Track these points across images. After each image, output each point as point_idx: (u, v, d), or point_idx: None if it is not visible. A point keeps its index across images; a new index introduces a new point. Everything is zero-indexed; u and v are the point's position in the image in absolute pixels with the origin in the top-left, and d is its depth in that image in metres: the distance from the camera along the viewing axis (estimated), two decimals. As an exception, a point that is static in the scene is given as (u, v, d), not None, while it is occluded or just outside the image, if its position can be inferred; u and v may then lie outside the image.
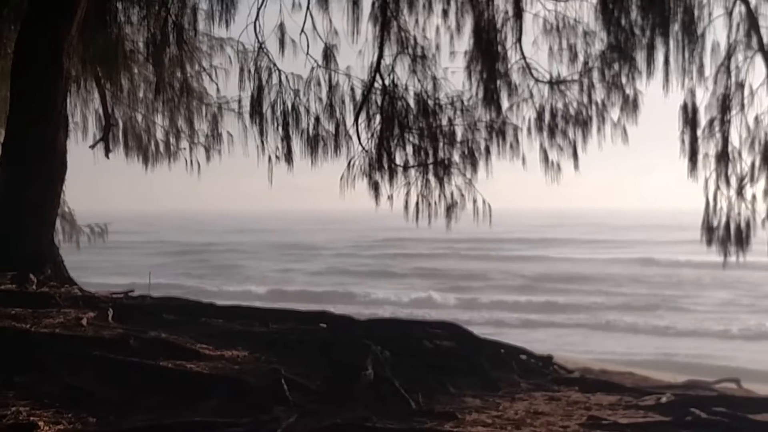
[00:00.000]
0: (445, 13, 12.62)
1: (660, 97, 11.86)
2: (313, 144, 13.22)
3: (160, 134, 16.85)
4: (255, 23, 12.71)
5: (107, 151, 16.94)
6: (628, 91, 12.58)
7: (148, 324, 11.37)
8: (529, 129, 13.21)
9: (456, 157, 13.27)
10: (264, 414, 8.77)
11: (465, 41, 12.66)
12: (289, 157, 13.19)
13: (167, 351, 10.12)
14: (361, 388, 10.06)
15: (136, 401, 8.95)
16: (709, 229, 12.20)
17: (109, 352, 9.65)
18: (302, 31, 12.55)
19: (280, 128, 13.09)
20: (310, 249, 75.45)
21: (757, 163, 12.03)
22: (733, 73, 11.89)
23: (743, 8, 11.73)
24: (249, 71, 13.17)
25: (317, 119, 13.16)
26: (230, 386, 9.39)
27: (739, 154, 12.06)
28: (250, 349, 10.86)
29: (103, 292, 13.55)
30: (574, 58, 12.78)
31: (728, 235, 12.13)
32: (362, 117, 13.06)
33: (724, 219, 12.12)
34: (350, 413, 9.38)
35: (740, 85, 11.92)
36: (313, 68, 12.99)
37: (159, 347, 10.24)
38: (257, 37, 12.85)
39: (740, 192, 12.04)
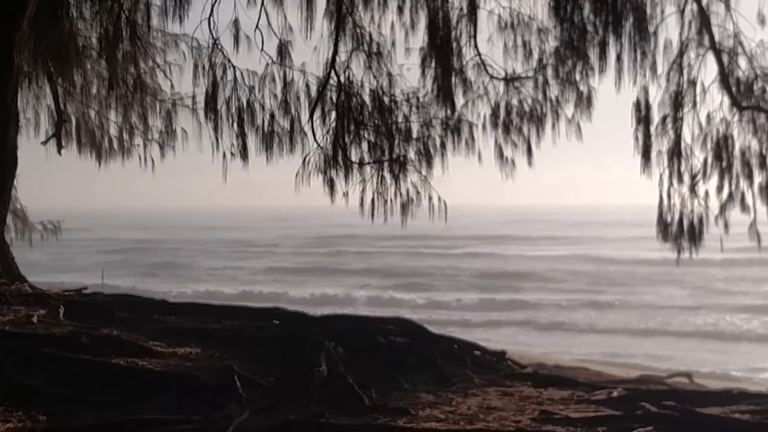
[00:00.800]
0: (400, 9, 12.60)
1: (615, 94, 11.91)
2: (269, 140, 13.13)
3: (113, 131, 16.73)
4: (209, 19, 12.61)
5: (59, 147, 16.78)
6: (582, 87, 12.64)
7: (100, 321, 11.31)
8: (484, 125, 13.23)
9: (411, 154, 13.26)
10: (216, 411, 8.74)
11: (420, 38, 12.65)
12: (244, 153, 13.10)
13: (119, 348, 10.07)
14: (314, 384, 10.04)
15: (88, 399, 8.88)
16: (663, 225, 12.29)
17: (59, 350, 9.58)
18: (257, 27, 12.45)
19: (235, 125, 12.99)
20: (262, 246, 74.94)
21: (710, 160, 12.14)
22: (685, 71, 11.98)
23: (695, 6, 11.82)
24: (203, 67, 13.04)
25: (272, 116, 13.09)
26: (182, 383, 9.36)
27: (692, 151, 12.15)
28: (203, 345, 10.83)
29: (55, 290, 13.44)
30: (528, 54, 12.81)
31: (681, 231, 12.22)
32: (317, 113, 12.99)
33: (677, 215, 12.21)
34: (303, 410, 9.37)
35: (692, 83, 12.02)
36: (268, 64, 12.91)
37: (111, 344, 10.19)
38: (212, 33, 12.75)
39: (693, 189, 12.14)
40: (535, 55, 12.78)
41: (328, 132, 13.07)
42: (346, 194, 13.14)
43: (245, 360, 10.41)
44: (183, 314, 12.24)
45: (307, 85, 13.01)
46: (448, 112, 13.03)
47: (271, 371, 10.35)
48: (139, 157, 16.31)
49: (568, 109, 12.81)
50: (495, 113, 13.18)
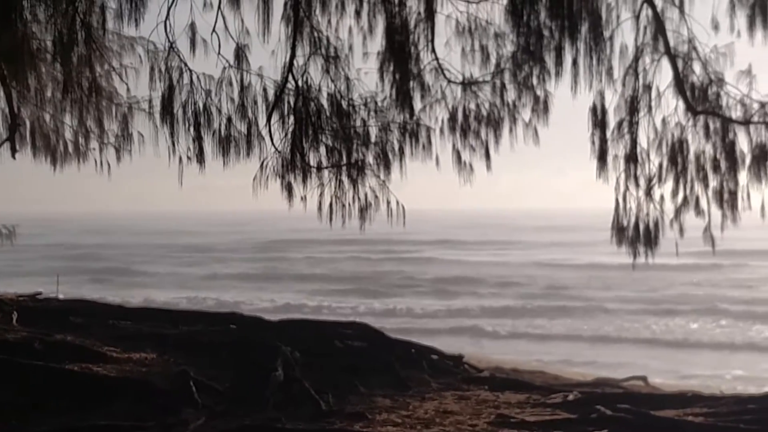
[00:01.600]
0: (358, 13, 12.53)
1: (571, 98, 11.95)
2: (225, 145, 13.01)
3: (69, 134, 16.51)
4: (165, 22, 12.46)
5: (14, 151, 16.54)
6: (539, 92, 12.63)
7: (55, 327, 11.22)
8: (442, 130, 13.18)
9: (370, 159, 13.18)
10: (172, 416, 8.70)
11: (378, 42, 12.60)
12: (200, 157, 12.96)
13: (73, 354, 10.00)
14: (270, 389, 10.03)
15: (41, 405, 8.81)
16: (619, 229, 12.34)
17: (13, 356, 9.50)
18: (213, 30, 12.31)
19: (192, 128, 12.84)
20: (215, 251, 74.79)
21: (665, 164, 12.20)
22: (640, 76, 12.03)
23: (650, 12, 11.88)
24: (160, 71, 12.89)
25: (229, 120, 12.95)
26: (137, 389, 9.32)
27: (648, 155, 12.21)
28: (158, 351, 10.78)
29: (8, 295, 13.28)
30: (486, 59, 12.79)
31: (637, 236, 12.28)
32: (275, 118, 12.86)
33: (633, 219, 12.26)
34: (259, 415, 9.36)
35: (648, 88, 12.07)
36: (225, 68, 12.76)
37: (65, 350, 10.11)
38: (168, 36, 12.59)
39: (649, 193, 12.20)
40: (493, 60, 12.77)
41: (285, 136, 12.96)
42: (304, 198, 13.05)
43: (201, 365, 10.38)
44: (139, 319, 12.18)
45: (265, 89, 12.91)
46: (407, 116, 12.99)
47: (228, 376, 10.32)
48: (95, 161, 16.10)
49: (526, 114, 12.81)
50: (453, 117, 13.15)
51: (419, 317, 35.07)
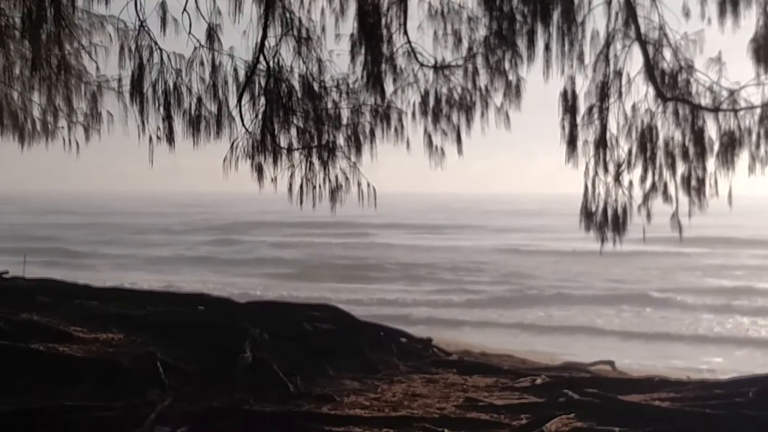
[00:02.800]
0: (330, -6, 12.50)
1: (544, 83, 11.96)
2: (196, 124, 12.92)
3: (37, 113, 16.36)
4: (136, 1, 12.34)
5: (-19, 128, 16.39)
6: (511, 77, 12.64)
7: (21, 306, 11.13)
8: (414, 113, 13.17)
9: (341, 141, 13.15)
10: (138, 397, 8.66)
11: (350, 24, 12.56)
12: (170, 137, 12.87)
13: (39, 333, 9.93)
14: (238, 371, 10.01)
15: (6, 384, 8.74)
16: (587, 214, 12.37)
17: (-23, 335, 9.41)
18: (185, 9, 12.19)
19: (162, 108, 12.74)
20: (167, 233, 73.89)
21: (634, 150, 12.23)
22: (611, 62, 12.04)
23: (622, -2, 11.91)
24: (130, 50, 12.77)
25: (200, 99, 12.86)
26: (104, 369, 9.27)
27: (617, 141, 12.24)
28: (125, 331, 10.73)
29: (-27, 274, 13.17)
30: (458, 43, 12.77)
31: (606, 221, 12.31)
32: (246, 98, 12.81)
33: (602, 205, 12.29)
34: (227, 396, 9.34)
35: (618, 74, 12.09)
36: (196, 48, 12.68)
37: (31, 330, 10.04)
38: (138, 15, 12.45)
39: (618, 178, 12.23)
40: (465, 44, 12.76)
41: (256, 117, 12.91)
42: (274, 180, 13.01)
43: (169, 346, 10.35)
44: (106, 299, 12.10)
45: (236, 70, 12.82)
46: (378, 99, 12.96)
47: (195, 358, 10.29)
48: (63, 140, 15.99)
49: (498, 98, 12.81)
50: (425, 101, 13.14)
51: (380, 304, 33.48)
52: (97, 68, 14.80)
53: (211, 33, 12.61)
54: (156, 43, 12.58)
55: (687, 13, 11.56)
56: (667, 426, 8.69)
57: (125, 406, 8.30)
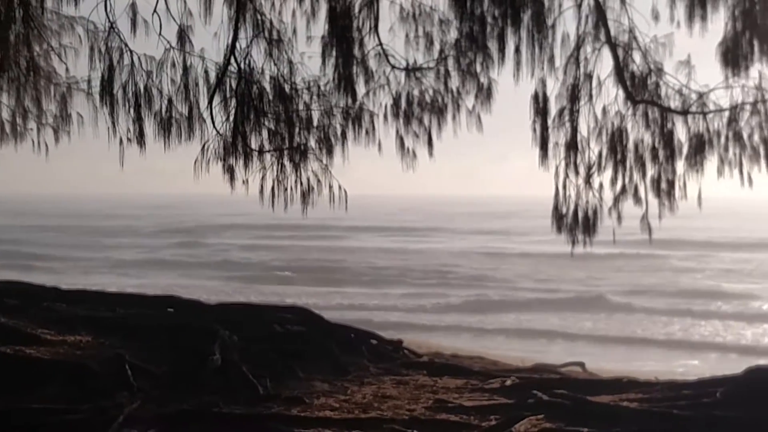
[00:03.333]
0: (301, -4, 12.49)
1: (515, 86, 11.98)
2: (166, 126, 12.88)
3: (6, 114, 16.23)
4: (106, 2, 12.25)
5: (-52, 130, 16.24)
6: (483, 79, 12.65)
7: (-12, 309, 11.04)
8: (385, 115, 13.16)
9: (312, 143, 13.14)
10: (106, 400, 8.62)
11: (321, 26, 12.55)
12: (141, 139, 12.83)
13: (6, 336, 9.87)
14: (207, 373, 9.98)
15: (-28, 388, 8.67)
16: (558, 216, 12.40)
17: (-57, 338, 9.34)
18: (155, 11, 12.17)
19: (132, 110, 12.70)
20: (144, 236, 73.50)
21: (604, 153, 12.26)
22: (582, 64, 12.08)
23: (592, 1, 11.94)
24: (100, 51, 12.71)
25: (170, 101, 12.81)
26: (71, 372, 9.21)
27: (588, 143, 12.28)
28: (94, 334, 10.67)
29: (-59, 277, 13.06)
30: (430, 45, 12.78)
31: (576, 223, 12.35)
32: (217, 100, 12.77)
33: (572, 207, 12.33)
34: (196, 399, 9.31)
35: (589, 76, 12.12)
36: (166, 50, 12.65)
37: (-2, 332, 9.96)
38: (108, 16, 12.41)
39: (588, 180, 12.27)
40: (437, 46, 12.77)
41: (227, 119, 12.88)
42: (245, 182, 12.98)
43: (137, 349, 10.30)
44: (74, 302, 12.02)
45: (207, 72, 12.78)
46: (349, 101, 12.95)
47: (164, 360, 10.25)
48: (33, 142, 15.88)
49: (469, 101, 12.83)
50: (396, 103, 13.14)
51: (350, 308, 32.63)
52: (67, 70, 14.70)
53: (182, 34, 12.57)
54: (126, 45, 12.53)
55: (656, 17, 11.60)
56: (635, 426, 8.73)
57: (93, 409, 8.26)
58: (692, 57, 11.74)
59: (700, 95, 11.76)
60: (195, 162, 12.85)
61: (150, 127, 12.81)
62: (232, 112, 12.84)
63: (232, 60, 12.67)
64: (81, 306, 11.72)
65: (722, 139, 11.85)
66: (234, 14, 12.45)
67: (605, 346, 25.54)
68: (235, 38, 12.56)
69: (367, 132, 13.18)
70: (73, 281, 37.26)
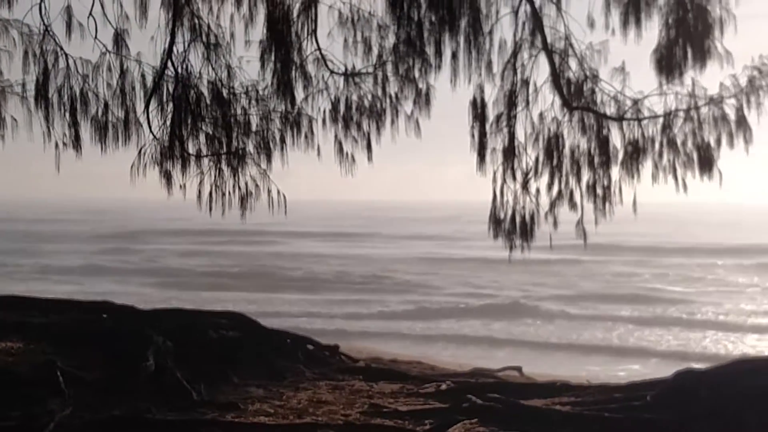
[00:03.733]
0: (239, 1, 12.42)
1: (455, 92, 12.03)
2: (103, 131, 12.77)
3: (-63, 117, 15.94)
4: (40, 5, 12.12)
5: None
6: (421, 85, 12.66)
7: None
8: (324, 120, 13.14)
9: (251, 147, 13.09)
10: (37, 407, 8.52)
11: (260, 30, 12.50)
12: (77, 144, 12.70)
13: (-67, 343, 9.70)
14: (141, 379, 9.91)
15: None
16: (496, 222, 12.47)
17: None
18: (90, 14, 12.07)
19: (68, 114, 12.57)
20: (78, 242, 71.79)
21: (541, 158, 12.34)
22: (519, 71, 12.16)
23: (528, 8, 12.01)
24: (34, 54, 12.56)
25: (107, 105, 12.71)
26: (2, 378, 9.09)
27: (525, 149, 12.37)
28: (25, 340, 10.53)
29: None
30: (368, 50, 12.77)
31: (514, 228, 12.43)
32: (154, 104, 12.67)
33: (510, 212, 12.40)
34: (129, 405, 9.23)
35: (526, 82, 12.20)
36: (102, 53, 12.54)
37: (-76, 339, 9.80)
38: (43, 19, 12.27)
39: (525, 186, 12.35)
40: (375, 51, 12.78)
41: (164, 123, 12.79)
42: (183, 186, 12.91)
43: (70, 355, 10.19)
44: (5, 308, 11.85)
45: (143, 76, 12.67)
46: (288, 105, 12.93)
47: (97, 366, 10.15)
48: (-36, 145, 15.62)
49: (408, 106, 12.85)
50: (335, 108, 13.12)
51: (288, 315, 31.87)
52: (0, 73, 14.53)
53: (118, 38, 12.46)
54: (61, 48, 12.40)
55: (592, 24, 11.70)
56: (567, 429, 8.81)
57: (23, 416, 8.15)
58: (627, 64, 11.85)
59: (635, 102, 11.88)
60: (132, 167, 12.76)
61: (86, 131, 12.70)
62: (169, 116, 12.75)
63: (170, 64, 12.58)
64: (13, 312, 11.55)
65: (657, 146, 11.98)
66: (171, 18, 12.36)
67: (545, 351, 25.62)
68: (172, 42, 12.47)
69: (306, 137, 13.15)
70: (7, 288, 36.27)
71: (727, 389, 8.90)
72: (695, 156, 11.84)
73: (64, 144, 12.65)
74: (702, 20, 11.34)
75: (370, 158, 13.18)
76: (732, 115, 11.56)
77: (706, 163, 11.78)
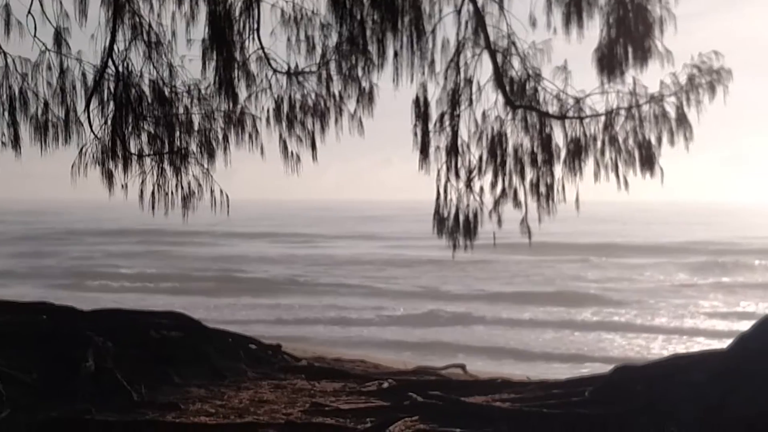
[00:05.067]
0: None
1: (399, 91, 12.04)
2: (43, 130, 12.65)
3: None
4: (-22, 3, 12.03)
5: None
6: (364, 83, 12.69)
7: None
8: (268, 119, 13.13)
9: (193, 147, 13.05)
10: (-29, 409, 8.41)
11: (201, 29, 12.45)
12: (16, 143, 12.57)
13: None
14: (80, 380, 9.82)
15: None
16: (439, 220, 12.51)
17: None
18: (29, 12, 11.96)
19: (6, 113, 12.44)
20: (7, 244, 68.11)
21: (485, 157, 12.42)
22: (462, 70, 12.22)
23: (471, 7, 12.07)
24: (-29, 53, 12.43)
25: (46, 104, 12.60)
26: (-65, 381, 8.96)
27: (468, 147, 12.42)
28: (-39, 342, 10.39)
29: None
30: (312, 49, 12.77)
31: (457, 226, 12.48)
32: (95, 103, 12.58)
33: (453, 210, 12.45)
34: (68, 407, 9.14)
35: (469, 81, 12.27)
36: (42, 52, 12.42)
37: None
38: (-21, 17, 12.16)
39: (469, 184, 12.40)
40: (319, 50, 12.78)
41: (105, 122, 12.71)
42: (124, 186, 12.83)
43: (7, 356, 10.07)
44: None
45: (84, 74, 12.59)
46: (231, 104, 12.90)
47: (35, 368, 10.04)
48: None
49: (351, 105, 12.88)
50: (279, 107, 13.11)
51: (231, 323, 27.01)
52: (-64, 73, 14.32)
53: (58, 36, 12.38)
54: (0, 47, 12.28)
55: (534, 23, 11.80)
56: (506, 426, 8.86)
57: (-43, 419, 8.03)
58: (569, 63, 11.99)
59: (577, 100, 11.99)
60: (72, 166, 12.65)
61: (26, 131, 12.58)
62: (111, 115, 12.68)
63: (110, 63, 12.51)
64: (-52, 314, 11.43)
65: (599, 144, 12.10)
66: (111, 16, 12.29)
67: (490, 354, 25.01)
68: (113, 40, 12.39)
69: (249, 136, 13.14)
70: None
71: (663, 384, 9.00)
72: (637, 154, 11.98)
73: (3, 144, 12.53)
74: (642, 19, 11.49)
75: (315, 157, 13.18)
76: (672, 113, 11.73)
77: (648, 160, 11.92)
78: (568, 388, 10.21)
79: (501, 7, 12.08)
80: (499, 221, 12.48)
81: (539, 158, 12.37)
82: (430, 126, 12.35)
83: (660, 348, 26.39)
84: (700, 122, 11.59)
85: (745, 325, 10.65)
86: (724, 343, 10.65)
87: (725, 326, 30.29)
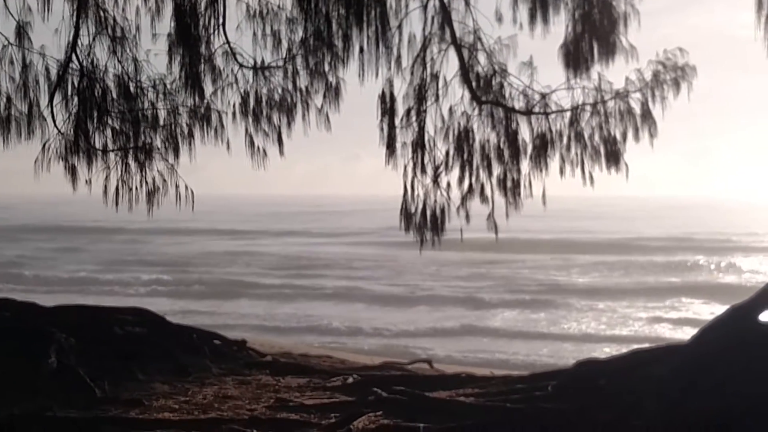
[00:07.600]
0: (145, -7, 12.30)
1: (366, 86, 12.03)
2: (5, 125, 12.59)
3: None
4: (-61, -4, 11.92)
5: None
6: (331, 78, 12.67)
7: None
8: (234, 114, 13.09)
9: (158, 142, 13.00)
10: (-70, 407, 8.33)
11: (167, 23, 12.39)
12: (-22, 139, 12.49)
13: None
14: (42, 377, 9.75)
15: None
16: (407, 215, 12.50)
17: None
18: (-9, 6, 11.87)
19: (-32, 108, 12.35)
20: None
21: (452, 152, 12.41)
22: (428, 65, 12.20)
23: (437, 2, 12.07)
24: (-68, 46, 12.32)
25: (9, 99, 12.53)
26: None
27: (435, 143, 12.41)
28: None
29: None
30: (278, 44, 12.74)
31: (425, 221, 12.46)
32: (58, 98, 12.52)
33: (420, 206, 12.43)
34: (30, 404, 9.07)
35: (435, 77, 12.25)
36: (4, 46, 12.34)
37: None
38: (-61, 11, 12.05)
39: (436, 180, 12.39)
40: (285, 45, 12.75)
41: (69, 117, 12.64)
42: (88, 182, 12.76)
43: (-32, 353, 9.98)
44: None
45: (47, 69, 12.53)
46: (197, 99, 12.85)
47: (-3, 364, 9.97)
48: None
49: (318, 100, 12.85)
50: (245, 102, 13.08)
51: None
52: None
53: (21, 30, 12.30)
54: (-39, 41, 12.18)
55: (500, 18, 11.82)
56: (470, 420, 8.87)
57: None
58: (535, 58, 11.99)
59: (543, 96, 12.01)
60: (35, 161, 12.57)
61: (-12, 125, 12.49)
62: (74, 110, 12.61)
63: (74, 57, 12.45)
64: None
65: (564, 139, 12.12)
66: (75, 10, 12.24)
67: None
68: (77, 35, 12.33)
69: (216, 131, 13.10)
70: None
71: (625, 378, 9.05)
72: (602, 149, 12.01)
73: (-36, 139, 12.43)
74: (607, 15, 11.53)
75: (282, 152, 13.15)
76: (637, 108, 11.77)
77: (613, 156, 11.96)
78: (532, 382, 10.25)
79: (467, 3, 12.08)
80: (467, 217, 12.46)
81: (506, 154, 12.37)
82: (397, 121, 12.33)
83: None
84: (665, 118, 11.63)
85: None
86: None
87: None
